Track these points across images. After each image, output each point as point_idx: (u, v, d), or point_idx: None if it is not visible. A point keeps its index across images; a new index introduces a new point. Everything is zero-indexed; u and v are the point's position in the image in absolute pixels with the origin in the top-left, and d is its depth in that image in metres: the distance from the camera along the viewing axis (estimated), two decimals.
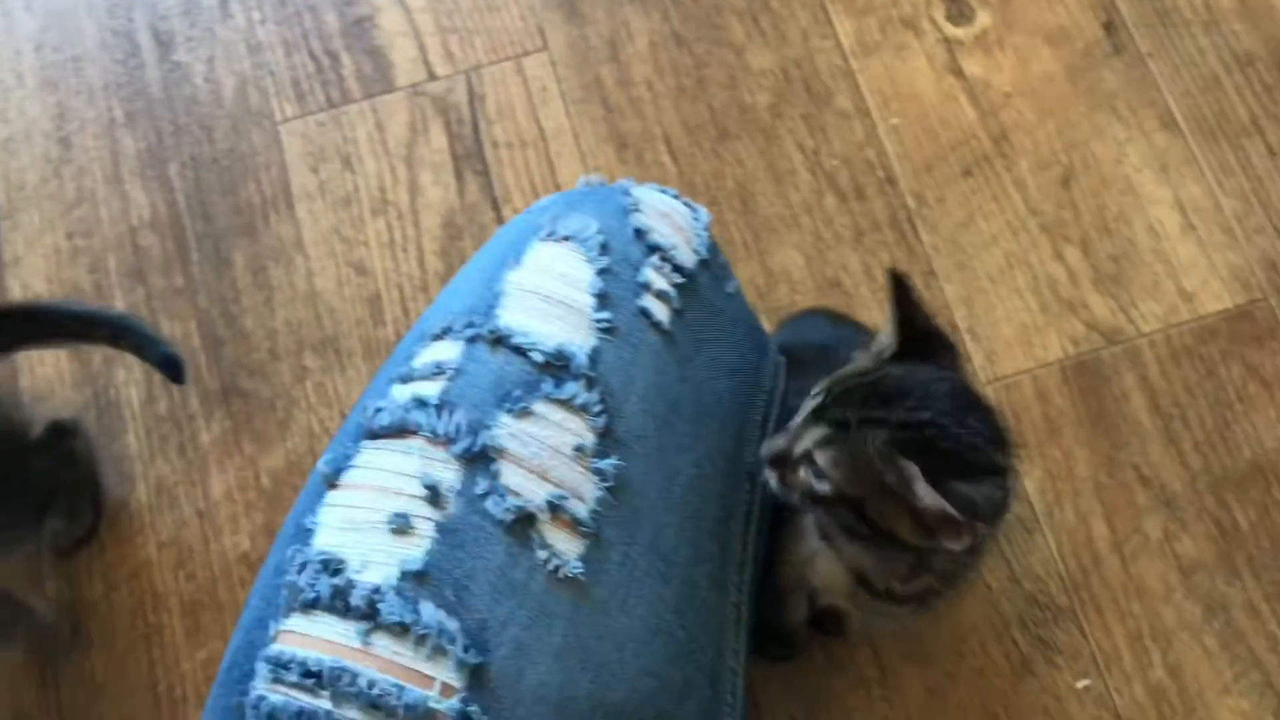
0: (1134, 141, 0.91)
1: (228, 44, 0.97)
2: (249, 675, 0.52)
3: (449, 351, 0.59)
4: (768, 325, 0.85)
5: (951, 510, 0.53)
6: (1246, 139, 0.91)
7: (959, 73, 0.94)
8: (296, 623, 0.52)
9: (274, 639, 0.52)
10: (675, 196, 0.67)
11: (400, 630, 0.51)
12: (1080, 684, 0.78)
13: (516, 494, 0.54)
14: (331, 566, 0.53)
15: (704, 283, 0.65)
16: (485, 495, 0.54)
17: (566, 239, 0.62)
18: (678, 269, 0.63)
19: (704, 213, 0.67)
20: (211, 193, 0.94)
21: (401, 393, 0.59)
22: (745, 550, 0.62)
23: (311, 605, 0.52)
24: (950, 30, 0.95)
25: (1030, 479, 0.83)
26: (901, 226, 0.90)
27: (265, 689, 0.51)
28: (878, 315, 0.88)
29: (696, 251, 0.65)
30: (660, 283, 0.62)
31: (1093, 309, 0.87)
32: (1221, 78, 0.93)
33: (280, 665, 0.51)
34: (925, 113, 0.93)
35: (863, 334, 0.80)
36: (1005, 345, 0.87)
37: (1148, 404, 0.85)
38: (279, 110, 0.96)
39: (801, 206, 0.91)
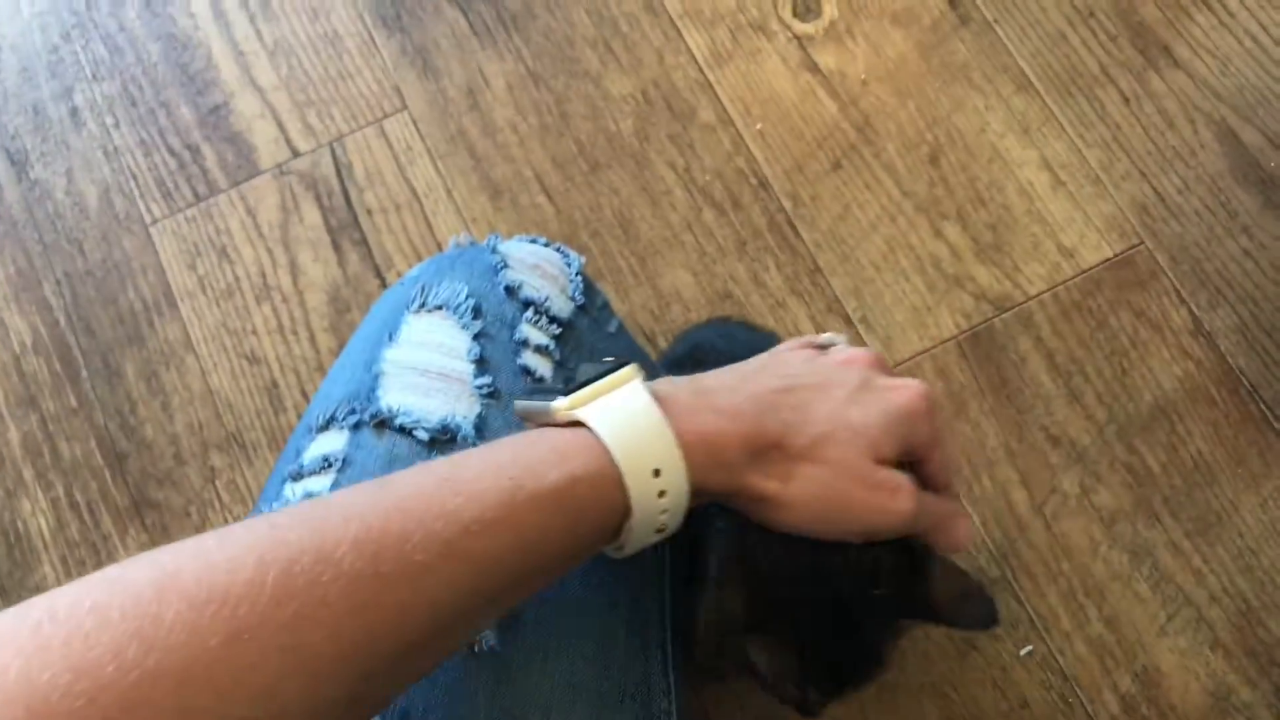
0: (993, 109, 0.92)
1: (84, 154, 0.95)
2: None
3: (335, 442, 0.58)
4: (665, 345, 0.84)
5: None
6: (1100, 89, 0.92)
7: (814, 68, 0.94)
8: None
9: None
10: (546, 244, 0.67)
11: None
12: (1023, 651, 0.79)
13: None
14: None
15: (583, 328, 0.64)
16: None
17: (439, 308, 0.61)
18: (554, 320, 0.62)
19: (575, 257, 0.66)
20: (91, 306, 0.91)
21: (294, 491, 0.58)
22: (663, 584, 0.62)
23: None
24: (799, 27, 0.95)
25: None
26: (781, 229, 0.90)
27: None
28: (771, 321, 0.88)
29: (572, 299, 0.64)
30: (538, 337, 0.61)
31: (979, 280, 0.88)
32: (1067, 33, 0.94)
33: None
34: (787, 113, 0.93)
35: (760, 335, 0.80)
36: (900, 329, 0.87)
37: (1046, 364, 0.85)
38: (147, 212, 0.93)
39: (682, 225, 0.91)
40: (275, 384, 0.88)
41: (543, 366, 0.61)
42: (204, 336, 0.90)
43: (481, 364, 0.60)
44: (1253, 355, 0.84)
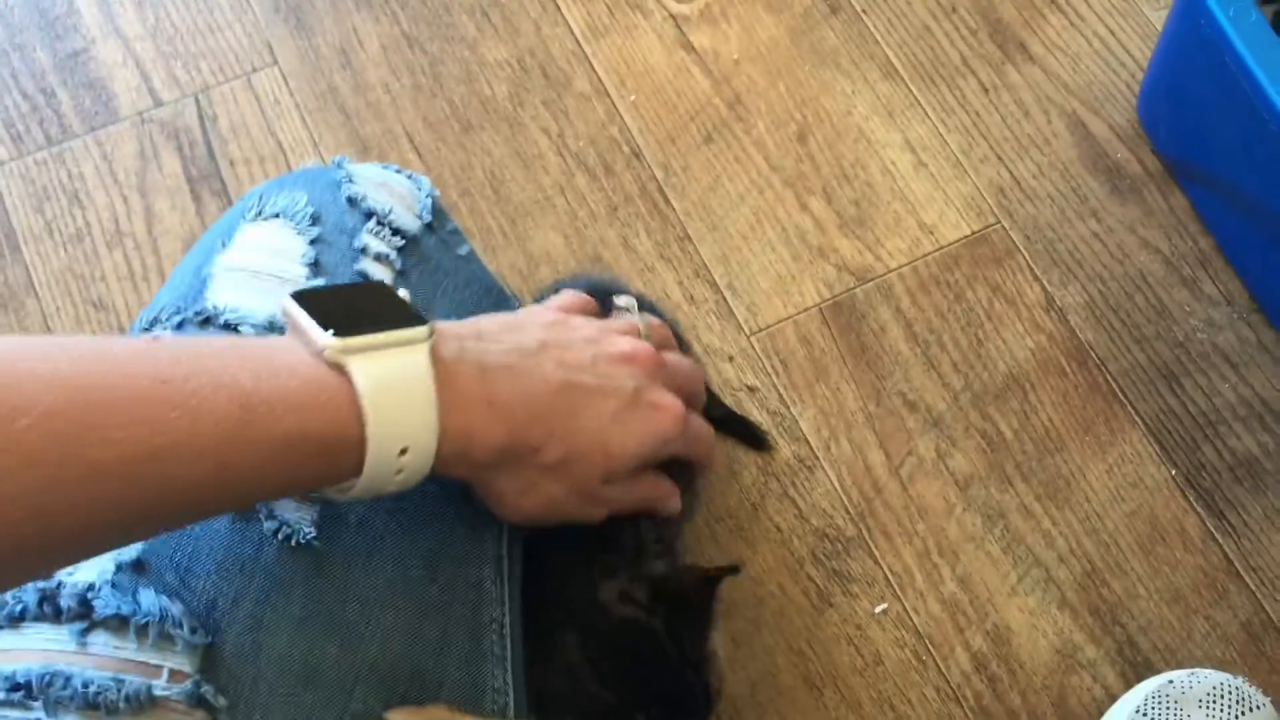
0: (860, 93, 0.94)
1: None
2: None
3: None
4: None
5: None
6: (961, 79, 0.94)
7: (689, 46, 0.95)
8: (5, 640, 0.47)
9: None
10: (397, 171, 0.65)
11: (118, 624, 0.46)
12: (878, 609, 0.78)
13: None
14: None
15: (429, 245, 0.62)
16: None
17: (275, 216, 0.59)
18: (397, 232, 0.60)
19: (425, 181, 0.64)
20: None
21: None
22: None
23: (18, 618, 0.47)
24: (675, 7, 0.96)
25: (804, 419, 0.83)
26: (653, 197, 0.90)
27: None
28: (640, 285, 0.87)
29: (419, 216, 0.62)
30: (379, 246, 0.59)
31: (842, 252, 0.88)
32: (931, 26, 0.96)
33: None
34: (661, 87, 0.93)
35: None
36: (764, 297, 0.87)
37: (905, 334, 0.86)
38: None
39: (554, 188, 0.90)
40: (123, 330, 0.83)
41: (382, 273, 0.58)
42: (48, 280, 0.85)
43: (316, 267, 0.57)
44: (1100, 330, 0.86)
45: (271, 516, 0.50)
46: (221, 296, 0.55)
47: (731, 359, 0.85)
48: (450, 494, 0.54)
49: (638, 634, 0.57)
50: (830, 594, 0.78)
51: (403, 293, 0.52)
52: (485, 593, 0.54)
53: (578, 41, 0.95)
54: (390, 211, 0.60)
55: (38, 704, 0.45)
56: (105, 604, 0.47)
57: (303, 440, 0.42)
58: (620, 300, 0.62)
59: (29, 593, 0.47)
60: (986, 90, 0.94)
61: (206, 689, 0.46)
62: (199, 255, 0.59)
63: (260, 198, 0.60)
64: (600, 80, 0.93)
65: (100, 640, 0.46)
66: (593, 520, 0.57)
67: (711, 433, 0.63)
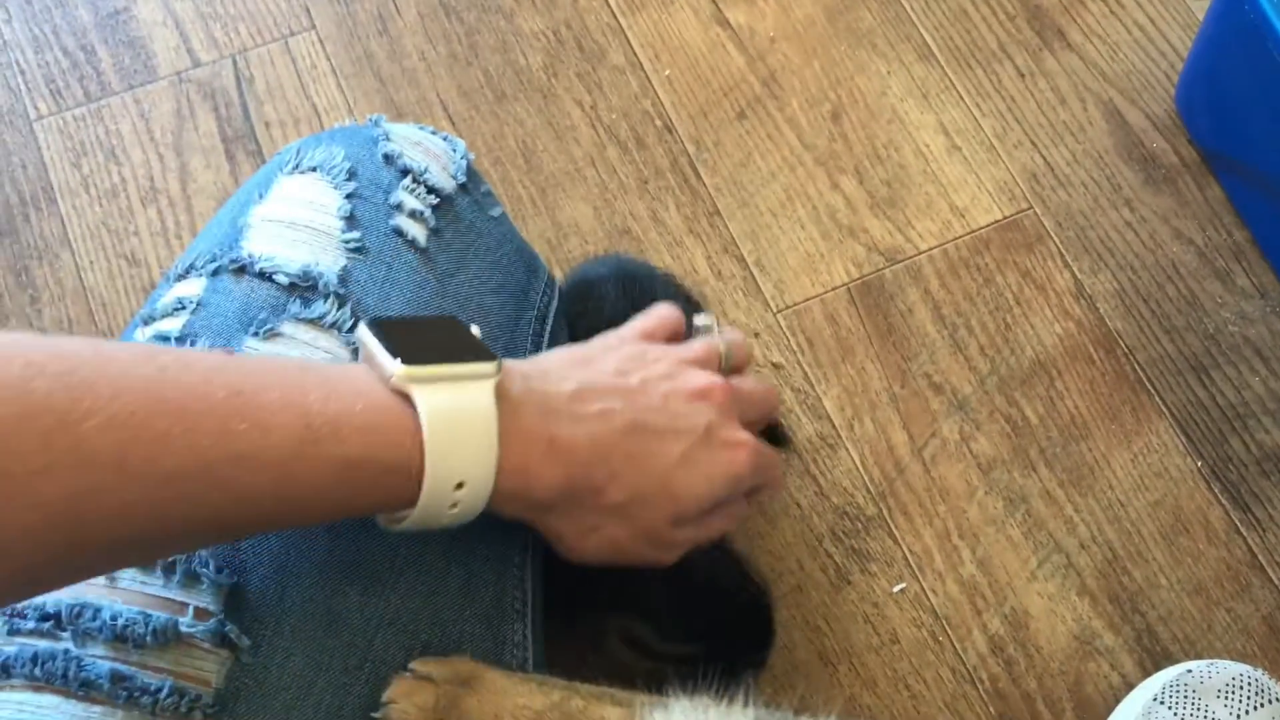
0: (895, 74, 0.93)
1: None
2: None
3: (192, 288, 0.55)
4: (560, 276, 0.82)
5: None
6: (997, 64, 0.93)
7: (724, 22, 0.94)
8: None
9: None
10: (433, 132, 0.64)
11: None
12: (896, 588, 0.77)
13: None
14: None
15: (463, 205, 0.61)
16: None
17: (312, 169, 0.59)
18: (432, 191, 0.60)
19: (460, 143, 0.64)
20: None
21: (144, 334, 0.54)
22: None
23: None
24: None
25: (828, 398, 0.82)
26: (683, 171, 0.89)
27: (1, 643, 0.45)
28: (668, 259, 0.86)
29: (454, 177, 0.62)
30: (414, 203, 0.59)
31: (872, 232, 0.87)
32: (969, 10, 0.95)
33: (16, 615, 0.46)
34: (696, 62, 0.93)
35: (658, 278, 0.78)
36: (792, 274, 0.86)
37: (932, 316, 0.85)
38: (32, 108, 0.89)
39: (585, 160, 0.89)
40: (154, 286, 0.83)
41: (416, 231, 0.58)
42: (83, 234, 0.85)
43: (351, 220, 0.57)
44: (1130, 319, 0.85)
45: None
46: (257, 246, 0.55)
47: (757, 335, 0.84)
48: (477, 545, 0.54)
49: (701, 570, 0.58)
50: (848, 572, 0.77)
51: (475, 330, 0.51)
52: (512, 540, 0.54)
53: (614, 14, 0.94)
54: (426, 170, 0.60)
55: (66, 634, 0.45)
56: None
57: (363, 464, 0.42)
58: (700, 320, 0.61)
59: None
60: (1023, 76, 0.93)
61: (230, 628, 0.46)
62: (235, 206, 0.59)
63: (298, 152, 0.60)
64: (635, 54, 0.93)
65: (128, 576, 0.47)
66: (662, 564, 0.55)
67: (778, 459, 0.61)
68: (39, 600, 0.46)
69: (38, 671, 0.44)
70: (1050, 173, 0.89)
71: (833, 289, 0.86)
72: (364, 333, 0.46)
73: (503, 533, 0.54)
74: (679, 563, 0.56)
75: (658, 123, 0.91)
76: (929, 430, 0.81)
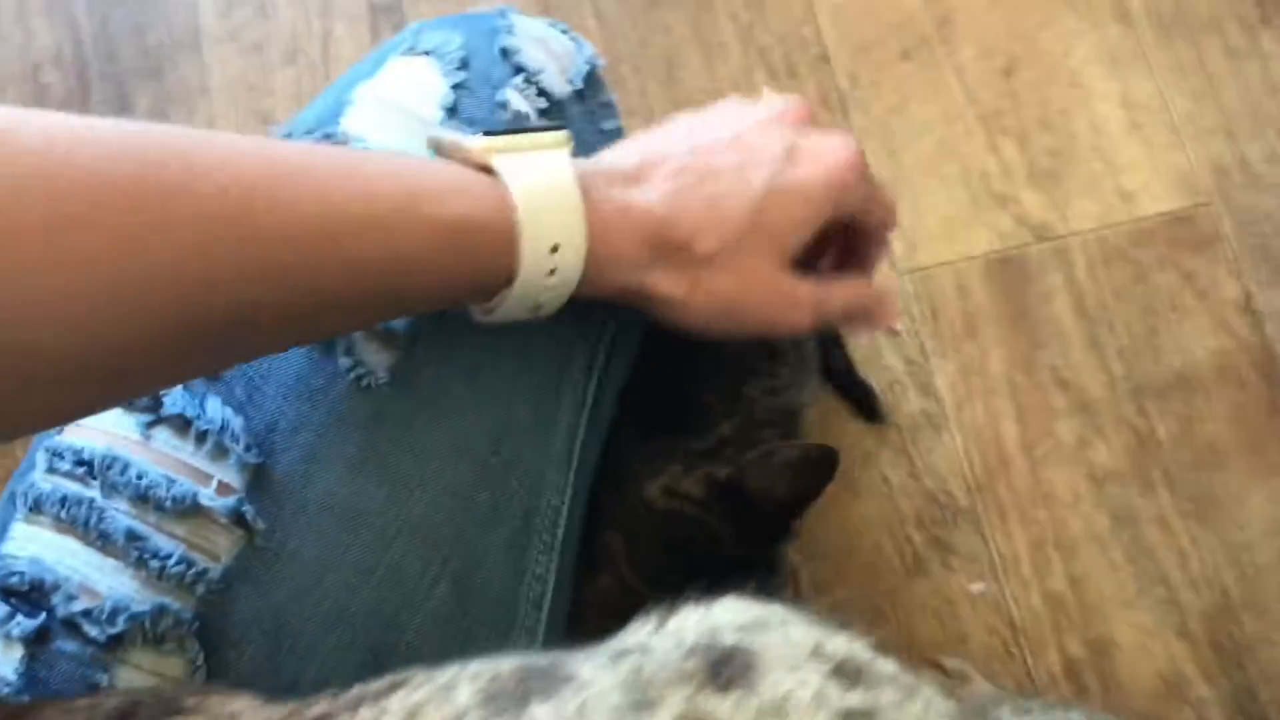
0: (1085, 34, 0.82)
1: None
2: (32, 467, 0.46)
3: None
4: None
5: None
6: (1205, 36, 0.81)
7: None
8: (92, 418, 0.46)
9: (61, 430, 0.46)
10: (564, 31, 0.59)
11: (182, 424, 0.45)
12: (974, 588, 0.70)
13: None
14: None
15: (574, 113, 0.56)
16: None
17: (426, 53, 0.54)
18: (543, 93, 0.55)
19: (589, 46, 0.58)
20: (118, 33, 0.85)
21: None
22: (585, 400, 0.54)
23: None
24: None
25: (942, 374, 0.75)
26: (832, 107, 0.81)
27: (40, 478, 0.45)
28: None
29: (571, 82, 0.56)
30: (520, 104, 0.54)
31: (1024, 204, 0.78)
32: None
33: (56, 454, 0.45)
34: None
35: None
36: (928, 236, 0.78)
37: (1073, 305, 0.76)
38: None
39: (729, 81, 0.82)
40: None
41: None
42: (222, 85, 0.84)
43: (452, 112, 0.52)
44: None
45: (349, 353, 0.47)
46: (355, 124, 0.52)
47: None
48: (531, 367, 0.50)
49: (685, 525, 0.52)
50: (927, 561, 0.71)
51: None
52: (548, 479, 0.50)
53: None
54: (541, 71, 0.55)
55: (96, 484, 0.44)
56: (174, 402, 0.45)
57: (465, 227, 0.41)
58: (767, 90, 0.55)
59: None
60: (1231, 54, 0.81)
61: (248, 509, 0.45)
62: (346, 80, 0.56)
63: (416, 33, 0.56)
64: None
65: (162, 437, 0.45)
66: (800, 328, 0.49)
67: (891, 196, 0.53)
68: (78, 444, 0.45)
69: (64, 514, 0.44)
70: (1242, 168, 0.78)
71: (969, 258, 0.77)
72: (433, 135, 0.46)
73: (542, 466, 0.50)
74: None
75: (814, 51, 0.83)
76: (1045, 428, 0.73)
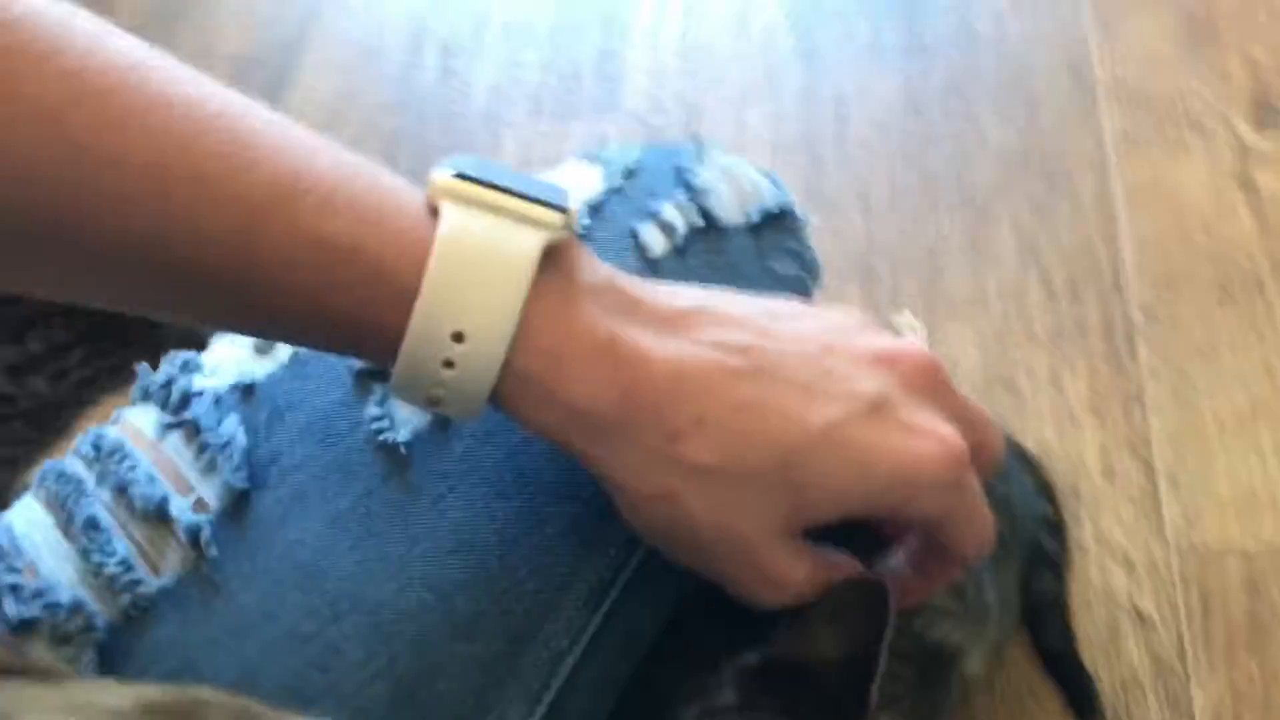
0: None
1: None
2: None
3: None
4: None
5: None
6: None
7: (1247, 183, 0.71)
8: (132, 411, 0.46)
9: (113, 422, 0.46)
10: (764, 174, 0.53)
11: (195, 432, 0.43)
12: None
13: None
14: (190, 365, 0.46)
15: (739, 244, 0.48)
16: None
17: (597, 161, 0.51)
18: (706, 214, 0.48)
19: (787, 193, 0.51)
20: None
21: None
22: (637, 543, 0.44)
23: (146, 395, 0.45)
24: (1250, 136, 0.73)
25: (1204, 692, 0.55)
26: (1116, 339, 0.67)
27: (67, 457, 0.45)
28: (1048, 432, 0.66)
29: (748, 215, 0.49)
30: (672, 216, 0.48)
31: None
32: None
33: (87, 440, 0.45)
34: (1187, 220, 0.70)
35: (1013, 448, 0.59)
36: (1217, 508, 0.60)
37: None
38: None
39: (996, 293, 0.71)
40: None
41: (655, 241, 0.47)
42: None
43: (596, 210, 0.47)
44: None
45: (381, 404, 0.42)
46: None
47: (1131, 567, 0.60)
48: (576, 479, 0.41)
49: None
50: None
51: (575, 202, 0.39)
52: (560, 612, 0.40)
53: (1102, 144, 0.75)
54: (711, 192, 0.49)
55: (96, 467, 0.43)
56: (197, 409, 0.43)
57: (346, 251, 0.32)
58: (904, 318, 0.43)
59: (161, 376, 0.45)
60: None
61: (207, 532, 0.41)
62: None
63: (602, 146, 0.53)
64: (1110, 191, 0.73)
65: (173, 440, 0.43)
66: (766, 606, 0.37)
67: (993, 523, 0.39)
68: (106, 433, 0.44)
69: (54, 488, 0.43)
70: None
71: (1270, 549, 0.58)
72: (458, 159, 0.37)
73: (557, 598, 0.40)
74: None
75: (1107, 277, 0.70)
76: None
